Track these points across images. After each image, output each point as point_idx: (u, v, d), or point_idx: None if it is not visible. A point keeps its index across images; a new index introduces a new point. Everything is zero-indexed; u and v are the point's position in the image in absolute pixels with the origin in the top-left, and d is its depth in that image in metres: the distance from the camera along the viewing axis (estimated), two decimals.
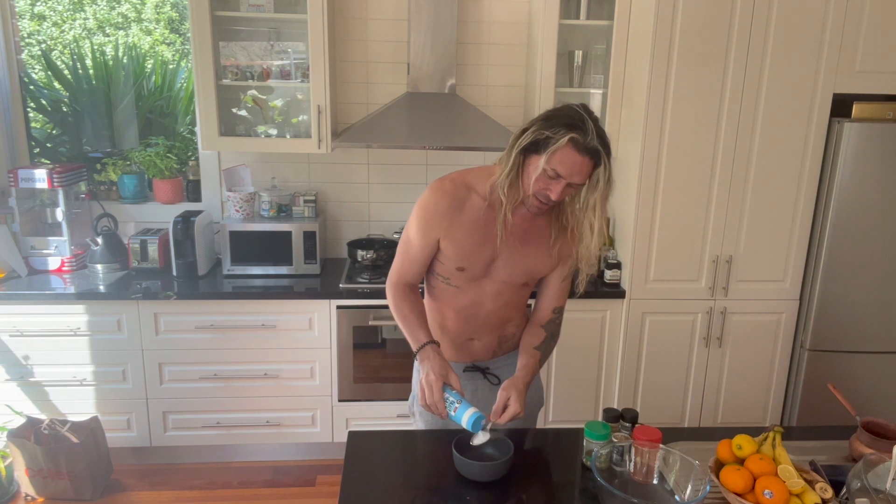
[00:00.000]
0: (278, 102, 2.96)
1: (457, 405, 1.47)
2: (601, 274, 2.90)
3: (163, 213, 3.12)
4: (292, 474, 2.88)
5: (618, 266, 2.81)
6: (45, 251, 2.91)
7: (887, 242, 2.65)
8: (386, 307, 2.70)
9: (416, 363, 1.79)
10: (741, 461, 1.41)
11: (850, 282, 2.69)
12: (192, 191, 3.21)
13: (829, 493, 1.33)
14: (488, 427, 1.49)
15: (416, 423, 1.81)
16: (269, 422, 2.84)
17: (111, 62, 3.38)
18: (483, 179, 1.58)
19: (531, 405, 1.79)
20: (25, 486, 2.59)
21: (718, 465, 1.45)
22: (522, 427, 1.74)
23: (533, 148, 1.44)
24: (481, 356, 1.75)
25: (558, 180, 1.44)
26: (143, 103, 3.41)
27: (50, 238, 2.91)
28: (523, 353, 1.66)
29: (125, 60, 3.38)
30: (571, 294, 1.72)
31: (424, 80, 2.88)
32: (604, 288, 2.80)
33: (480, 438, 1.48)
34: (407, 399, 2.80)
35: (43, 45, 3.48)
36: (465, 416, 1.45)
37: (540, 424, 2.55)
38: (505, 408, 1.52)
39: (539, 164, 1.43)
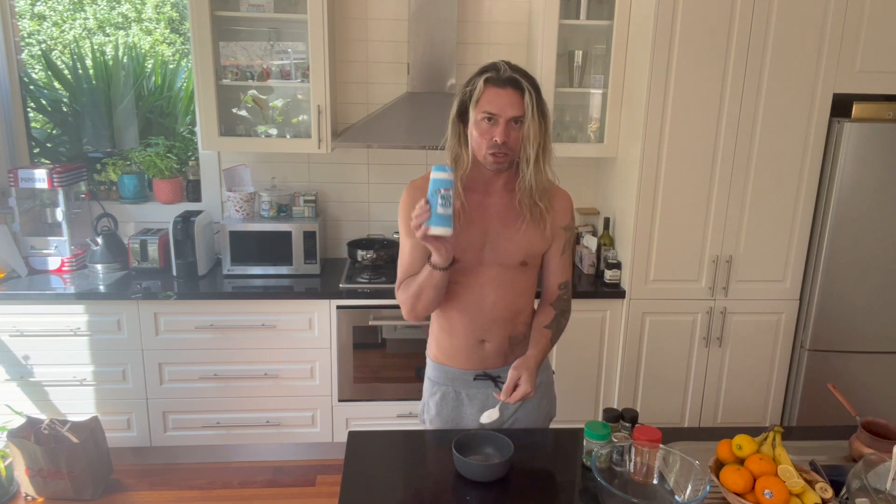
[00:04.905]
0: (278, 102, 2.96)
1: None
2: (601, 274, 2.91)
3: (163, 213, 3.12)
4: (292, 474, 2.88)
5: (618, 266, 2.81)
6: (45, 251, 2.90)
7: (887, 242, 2.65)
8: (385, 307, 2.73)
9: (426, 379, 1.78)
10: (741, 461, 1.41)
11: (850, 282, 2.69)
12: (192, 191, 3.21)
13: (829, 493, 1.33)
14: (498, 406, 1.50)
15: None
16: (269, 422, 2.84)
17: (111, 62, 3.38)
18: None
19: (542, 417, 1.78)
20: (25, 486, 2.59)
21: (718, 465, 1.45)
22: (524, 430, 1.73)
23: (463, 110, 1.53)
24: (493, 362, 1.70)
25: (495, 120, 1.48)
26: (143, 103, 3.41)
27: (50, 238, 2.91)
28: (534, 333, 1.65)
29: (125, 60, 3.38)
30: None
31: (424, 80, 2.88)
32: (604, 288, 2.80)
33: (489, 417, 1.49)
34: (406, 399, 2.83)
35: (43, 45, 3.48)
36: (436, 206, 1.37)
37: None
38: (515, 387, 1.51)
39: (473, 117, 1.50)
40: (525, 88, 1.47)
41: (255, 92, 2.93)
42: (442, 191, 1.38)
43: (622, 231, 2.83)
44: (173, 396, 2.78)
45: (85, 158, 3.30)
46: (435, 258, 1.48)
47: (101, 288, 2.69)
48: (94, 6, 3.57)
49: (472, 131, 1.52)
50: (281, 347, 2.75)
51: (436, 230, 1.39)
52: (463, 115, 1.55)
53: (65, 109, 3.41)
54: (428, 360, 1.78)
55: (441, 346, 1.72)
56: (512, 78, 1.47)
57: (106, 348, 2.70)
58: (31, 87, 3.26)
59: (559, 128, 2.99)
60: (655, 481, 1.40)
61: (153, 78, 3.47)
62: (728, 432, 1.54)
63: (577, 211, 3.04)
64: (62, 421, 2.61)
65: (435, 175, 1.38)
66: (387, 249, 3.02)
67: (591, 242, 2.98)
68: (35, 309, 2.63)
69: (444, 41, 2.84)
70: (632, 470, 1.42)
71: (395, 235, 3.13)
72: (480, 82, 1.48)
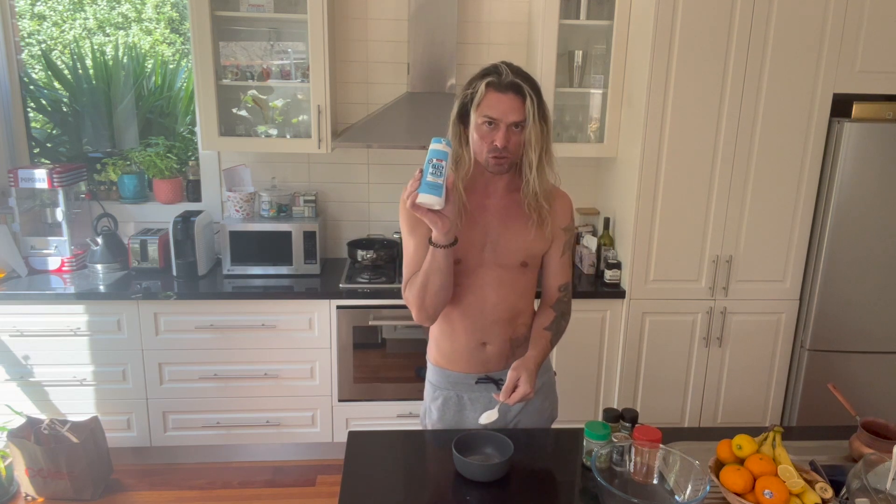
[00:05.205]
0: (278, 102, 2.96)
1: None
2: (601, 274, 2.91)
3: (163, 213, 3.12)
4: (292, 474, 2.89)
5: (618, 266, 2.81)
6: (45, 251, 2.91)
7: (887, 242, 2.65)
8: (385, 307, 2.73)
9: (427, 383, 1.78)
10: (741, 461, 1.41)
11: (850, 282, 2.69)
12: (192, 191, 3.21)
13: (829, 493, 1.33)
14: (497, 407, 1.50)
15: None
16: (269, 422, 2.84)
17: (111, 62, 3.38)
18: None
19: (544, 419, 1.78)
20: (25, 486, 2.59)
21: (718, 465, 1.45)
22: (524, 430, 1.73)
23: (464, 112, 1.53)
24: (494, 365, 1.69)
25: (496, 125, 1.48)
26: (143, 103, 3.41)
27: (50, 238, 2.91)
28: (534, 335, 1.65)
29: (125, 60, 3.38)
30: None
31: (424, 80, 2.88)
32: (604, 288, 2.80)
33: (489, 417, 1.49)
34: (406, 399, 2.83)
35: (43, 45, 3.48)
36: (427, 173, 1.36)
37: None
38: (515, 388, 1.50)
39: (474, 121, 1.50)
40: (526, 93, 1.46)
41: (255, 92, 2.94)
42: (434, 160, 1.37)
43: (622, 231, 2.83)
44: (173, 396, 2.78)
45: (85, 158, 3.30)
46: (435, 235, 1.46)
47: (101, 288, 2.69)
48: (94, 6, 3.57)
49: (473, 134, 1.52)
50: (281, 347, 2.75)
51: (424, 198, 1.37)
52: (464, 117, 1.54)
53: (65, 109, 3.41)
54: (428, 364, 1.78)
55: (442, 350, 1.71)
56: (513, 83, 1.46)
57: (106, 348, 2.70)
58: (31, 87, 3.26)
59: (559, 128, 2.99)
60: (655, 481, 1.40)
61: (153, 78, 3.47)
62: (728, 432, 1.54)
63: (577, 211, 3.05)
64: (62, 421, 2.61)
65: (432, 146, 1.38)
66: (387, 249, 3.03)
67: (591, 242, 2.98)
68: (35, 309, 2.63)
69: (444, 41, 2.84)
70: (632, 470, 1.42)
71: (396, 235, 3.13)
72: (482, 86, 1.47)
